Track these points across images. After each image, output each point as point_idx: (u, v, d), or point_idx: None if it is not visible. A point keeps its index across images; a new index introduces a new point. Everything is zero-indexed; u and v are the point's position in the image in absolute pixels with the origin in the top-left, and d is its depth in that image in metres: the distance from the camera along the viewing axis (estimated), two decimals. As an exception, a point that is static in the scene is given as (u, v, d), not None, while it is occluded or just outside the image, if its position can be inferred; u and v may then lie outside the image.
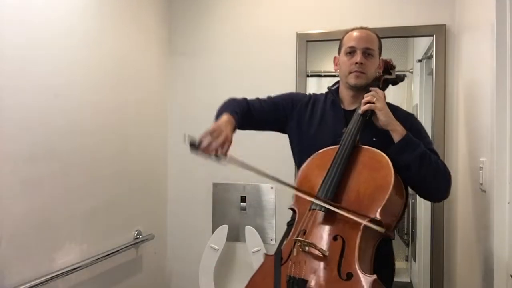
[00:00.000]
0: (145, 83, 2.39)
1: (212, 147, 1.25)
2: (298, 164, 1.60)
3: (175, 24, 2.62)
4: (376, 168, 1.35)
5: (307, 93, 1.71)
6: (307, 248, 1.26)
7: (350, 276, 1.20)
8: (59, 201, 1.71)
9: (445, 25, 2.23)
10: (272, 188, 2.46)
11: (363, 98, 1.47)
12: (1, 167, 1.45)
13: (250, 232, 2.42)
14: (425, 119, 2.54)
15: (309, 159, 1.49)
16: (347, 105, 1.58)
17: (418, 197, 2.71)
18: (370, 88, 1.48)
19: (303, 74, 2.39)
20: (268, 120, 1.63)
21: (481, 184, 1.64)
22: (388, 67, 1.62)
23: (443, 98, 2.23)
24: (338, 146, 1.42)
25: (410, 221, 2.94)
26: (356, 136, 1.41)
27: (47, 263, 1.64)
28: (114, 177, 2.08)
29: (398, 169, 1.35)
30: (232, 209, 2.51)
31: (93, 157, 1.92)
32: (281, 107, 1.62)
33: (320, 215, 1.31)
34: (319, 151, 1.48)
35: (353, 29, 1.58)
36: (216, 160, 1.27)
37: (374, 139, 1.44)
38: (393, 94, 2.97)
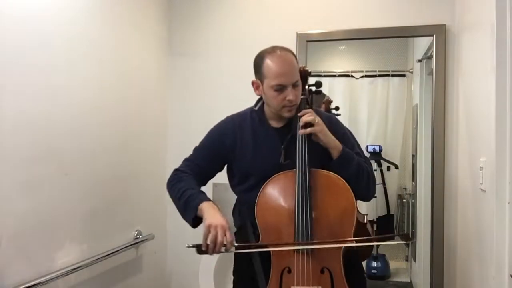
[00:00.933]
0: (145, 83, 2.39)
1: (218, 246, 1.31)
2: (240, 191, 1.59)
3: (175, 24, 2.62)
4: (336, 193, 1.42)
5: (226, 116, 1.66)
6: None
7: None
8: (59, 201, 1.71)
9: (445, 25, 2.23)
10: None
11: (296, 117, 1.46)
12: (1, 167, 1.45)
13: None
14: (425, 119, 2.54)
15: (261, 197, 1.44)
16: (275, 123, 1.54)
17: (418, 197, 2.72)
18: (305, 111, 1.46)
19: (303, 74, 2.39)
20: (214, 172, 1.62)
21: (481, 184, 1.64)
22: (306, 75, 1.56)
23: (443, 98, 2.23)
24: (282, 173, 1.43)
25: (410, 221, 2.94)
26: (307, 161, 1.42)
27: (47, 263, 1.64)
28: (114, 177, 2.08)
29: None
30: (232, 209, 2.50)
31: (93, 157, 1.92)
32: (214, 152, 1.58)
33: (305, 253, 1.35)
34: (272, 179, 1.44)
35: (270, 52, 1.45)
36: (226, 251, 1.35)
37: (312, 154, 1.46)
38: (393, 94, 2.98)
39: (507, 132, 1.42)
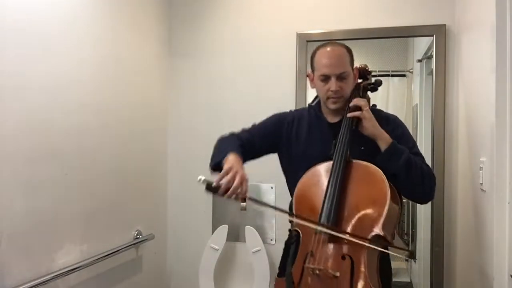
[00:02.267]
0: (145, 84, 2.39)
1: (231, 191, 1.27)
2: (290, 182, 1.61)
3: (175, 25, 2.62)
4: (371, 183, 1.38)
5: (288, 110, 1.73)
6: (317, 271, 1.30)
7: None
8: (59, 201, 1.71)
9: (445, 25, 2.23)
10: (272, 188, 2.46)
11: (346, 109, 1.49)
12: (1, 167, 1.45)
13: (250, 232, 2.42)
14: (425, 119, 2.54)
15: (303, 178, 1.48)
16: (331, 118, 1.59)
17: (418, 197, 2.72)
18: (355, 99, 1.49)
19: (303, 74, 2.39)
20: (262, 149, 1.64)
21: (481, 184, 1.64)
22: (364, 73, 1.63)
23: (443, 98, 2.23)
24: (331, 161, 1.44)
25: (410, 221, 2.94)
26: (347, 150, 1.42)
27: (47, 263, 1.64)
28: (114, 177, 2.08)
29: (387, 176, 1.38)
30: (232, 209, 2.51)
31: (93, 157, 1.92)
32: (270, 133, 1.62)
33: (326, 238, 1.34)
34: (312, 168, 1.48)
35: (322, 46, 1.55)
36: (236, 201, 1.30)
37: (362, 148, 1.46)
38: (393, 94, 2.98)
39: (507, 132, 1.42)
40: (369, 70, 1.65)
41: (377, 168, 1.38)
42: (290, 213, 1.45)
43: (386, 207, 1.31)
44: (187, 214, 2.61)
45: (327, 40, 2.40)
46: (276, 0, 2.48)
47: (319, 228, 1.33)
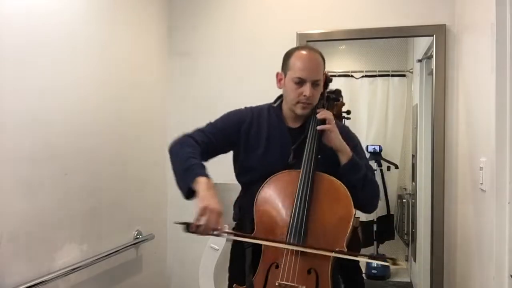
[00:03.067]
0: (144, 83, 2.39)
1: (209, 230, 1.30)
2: (244, 183, 1.60)
3: (175, 24, 2.62)
4: (336, 199, 1.41)
5: (245, 107, 1.67)
6: (283, 286, 1.32)
7: None
8: (59, 201, 1.71)
9: (445, 25, 2.22)
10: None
11: (312, 119, 1.48)
12: (1, 167, 1.45)
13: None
14: (425, 119, 2.54)
15: (265, 187, 1.46)
16: (292, 123, 1.55)
17: (418, 197, 2.73)
18: (323, 110, 1.48)
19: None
20: (222, 149, 1.61)
21: (481, 184, 1.64)
22: (326, 80, 1.59)
23: (443, 98, 2.23)
24: (293, 171, 1.44)
25: (410, 221, 2.95)
26: (316, 164, 1.42)
27: (47, 263, 1.64)
28: (114, 177, 2.08)
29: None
30: (232, 209, 2.50)
31: (93, 157, 1.92)
32: (229, 133, 1.57)
33: (294, 253, 1.35)
34: (275, 177, 1.46)
35: (299, 49, 1.53)
36: (215, 235, 1.36)
37: (318, 156, 1.45)
38: (393, 94, 2.98)
39: (507, 132, 1.43)
40: (330, 77, 1.62)
41: (341, 184, 1.41)
42: (260, 238, 1.41)
43: (350, 226, 1.35)
44: (187, 214, 2.59)
45: (327, 40, 2.43)
46: (276, 0, 2.48)
47: (288, 247, 1.34)
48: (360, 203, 1.48)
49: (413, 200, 2.84)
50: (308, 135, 1.47)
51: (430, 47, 2.33)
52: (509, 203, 1.41)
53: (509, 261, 1.39)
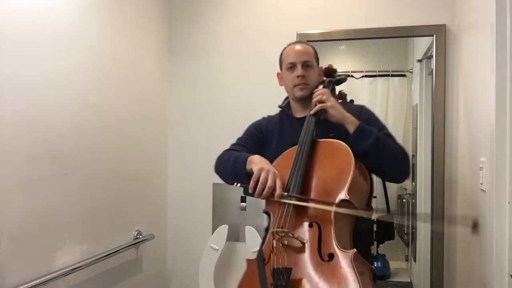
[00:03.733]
0: (145, 83, 2.39)
1: (267, 190, 1.32)
2: None
3: (175, 24, 2.62)
4: (336, 155, 1.41)
5: (261, 117, 1.78)
6: (285, 240, 1.31)
7: (331, 256, 1.25)
8: (59, 201, 1.71)
9: (445, 25, 2.23)
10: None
11: (311, 104, 1.52)
12: (1, 167, 1.45)
13: (250, 232, 2.42)
14: (425, 119, 2.54)
15: (275, 161, 1.51)
16: (299, 113, 1.64)
17: (418, 197, 2.72)
18: (315, 91, 1.54)
19: (303, 74, 2.39)
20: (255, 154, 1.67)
21: (481, 184, 1.64)
22: (330, 72, 1.69)
23: (443, 98, 2.23)
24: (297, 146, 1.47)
25: (410, 221, 2.94)
26: (312, 132, 1.46)
27: (47, 263, 1.64)
28: (114, 177, 2.08)
29: (358, 156, 1.40)
30: (232, 209, 2.51)
31: (93, 157, 1.92)
32: (256, 139, 1.68)
33: (292, 209, 1.35)
34: (282, 154, 1.52)
35: (289, 45, 1.66)
36: (272, 199, 1.34)
37: (331, 134, 1.48)
38: (393, 94, 2.98)
39: (507, 132, 1.43)
40: (334, 68, 1.71)
41: (341, 142, 1.41)
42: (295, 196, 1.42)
43: (351, 175, 1.32)
44: (187, 214, 2.61)
45: (327, 40, 2.43)
46: (276, 0, 2.48)
47: (284, 200, 1.34)
48: (382, 170, 1.49)
49: (413, 200, 2.84)
50: (306, 118, 1.51)
51: (430, 47, 2.33)
52: (509, 203, 1.41)
53: (509, 261, 1.39)
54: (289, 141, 1.54)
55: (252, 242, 2.40)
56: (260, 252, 1.39)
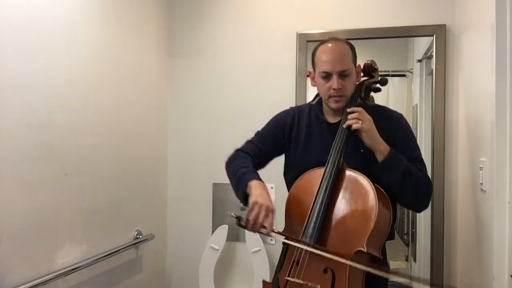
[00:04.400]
0: (145, 83, 2.39)
1: (257, 226, 1.30)
2: (288, 182, 1.61)
3: (175, 24, 2.62)
4: (361, 196, 1.35)
5: (289, 107, 1.69)
6: (300, 281, 1.31)
7: None
8: (59, 201, 1.71)
9: (445, 25, 2.22)
10: (272, 188, 2.45)
11: (345, 113, 1.46)
12: (1, 167, 1.45)
13: (250, 232, 2.41)
14: (425, 119, 2.54)
15: (297, 182, 1.48)
16: (331, 118, 1.56)
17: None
18: (353, 109, 1.44)
19: (303, 74, 2.39)
20: (273, 154, 1.64)
21: (481, 184, 1.64)
22: (369, 70, 1.57)
23: (443, 98, 2.23)
24: (324, 168, 1.42)
25: (410, 221, 2.94)
26: (340, 158, 1.41)
27: (47, 263, 1.64)
28: (114, 177, 2.08)
29: (382, 186, 1.37)
30: (232, 209, 2.50)
31: (93, 157, 1.92)
32: (274, 137, 1.61)
33: (309, 252, 1.33)
34: (307, 173, 1.47)
35: (323, 42, 1.52)
36: (265, 234, 1.33)
37: (361, 150, 1.44)
38: (393, 94, 2.98)
39: (507, 132, 1.43)
40: (376, 67, 1.59)
41: (368, 181, 1.35)
42: (286, 234, 1.44)
43: (372, 225, 1.29)
44: (187, 214, 2.61)
45: (327, 40, 2.42)
46: (276, 0, 2.48)
47: (302, 246, 1.33)
48: (404, 202, 1.47)
49: (413, 200, 2.84)
50: (338, 129, 1.45)
51: (430, 47, 2.33)
52: (509, 203, 1.41)
53: (509, 261, 1.39)
54: (316, 150, 1.51)
55: (252, 242, 2.40)
56: (276, 281, 1.40)
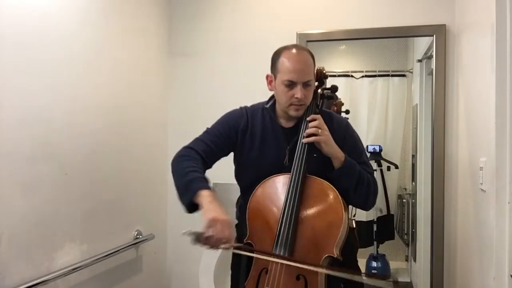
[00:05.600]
0: (145, 83, 2.39)
1: (218, 243, 1.28)
2: (241, 185, 1.61)
3: (175, 24, 2.62)
4: (327, 203, 1.38)
5: (239, 107, 1.66)
6: None
7: None
8: (59, 201, 1.71)
9: (445, 25, 2.23)
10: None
11: (304, 121, 1.46)
12: (1, 167, 1.45)
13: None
14: (425, 119, 2.54)
15: (258, 190, 1.46)
16: (285, 123, 1.53)
17: (418, 197, 2.72)
18: (313, 116, 1.45)
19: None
20: (222, 153, 1.59)
21: (481, 184, 1.64)
22: (322, 76, 1.56)
23: (443, 98, 2.23)
24: (287, 174, 1.41)
25: (410, 221, 2.94)
26: (305, 167, 1.41)
27: (47, 263, 1.64)
28: (114, 177, 2.08)
29: (337, 189, 1.39)
30: (232, 209, 2.50)
31: (93, 157, 1.92)
32: (226, 138, 1.56)
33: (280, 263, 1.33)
34: (268, 181, 1.45)
35: (287, 48, 1.47)
36: (225, 249, 1.32)
37: (314, 155, 1.44)
38: (393, 94, 2.98)
39: (507, 132, 1.43)
40: (326, 73, 1.57)
41: (332, 187, 1.38)
42: (248, 247, 1.42)
43: (341, 229, 1.32)
44: (187, 214, 2.60)
45: (327, 40, 2.43)
46: (276, 0, 2.48)
47: (273, 259, 1.33)
48: (355, 203, 1.49)
49: (413, 200, 2.84)
50: (299, 140, 1.45)
51: (430, 47, 2.33)
52: (509, 203, 1.41)
53: (509, 261, 1.39)
54: (271, 153, 1.50)
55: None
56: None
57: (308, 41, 2.39)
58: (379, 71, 2.95)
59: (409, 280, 3.08)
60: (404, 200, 3.11)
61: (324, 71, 1.55)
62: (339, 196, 1.36)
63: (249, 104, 1.69)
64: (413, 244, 2.89)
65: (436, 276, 2.23)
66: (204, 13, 2.57)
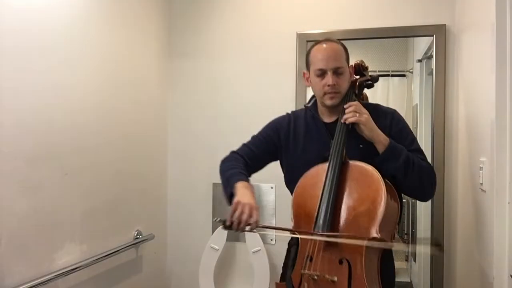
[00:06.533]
0: (145, 84, 2.39)
1: (242, 224, 1.30)
2: (289, 184, 1.62)
3: (175, 25, 2.62)
4: (367, 184, 1.37)
5: (285, 112, 1.71)
6: (315, 276, 1.31)
7: None
8: (59, 201, 1.71)
9: (445, 25, 2.23)
10: (272, 188, 2.45)
11: (342, 109, 1.49)
12: (1, 167, 1.45)
13: (250, 232, 2.41)
14: (425, 119, 2.54)
15: (301, 180, 1.49)
16: (327, 118, 1.58)
17: (418, 197, 2.72)
18: (350, 103, 1.48)
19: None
20: (266, 159, 1.66)
21: (481, 184, 1.64)
22: (360, 69, 1.63)
23: (443, 98, 2.23)
24: (327, 163, 1.43)
25: (410, 221, 2.94)
26: (343, 151, 1.43)
27: (47, 263, 1.64)
28: (114, 177, 2.08)
29: (385, 177, 1.39)
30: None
31: (93, 157, 1.92)
32: (269, 142, 1.63)
33: (323, 243, 1.35)
34: (310, 170, 1.48)
35: (317, 43, 1.57)
36: (250, 231, 1.34)
37: (360, 145, 1.46)
38: (393, 94, 2.98)
39: (507, 132, 1.43)
40: (366, 66, 1.65)
41: (373, 169, 1.38)
42: (290, 230, 1.46)
43: (382, 209, 1.31)
44: (187, 214, 2.61)
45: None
46: (276, 0, 2.48)
47: (315, 237, 1.34)
48: (409, 192, 1.49)
49: (413, 201, 2.83)
50: (338, 124, 1.47)
51: (430, 47, 2.33)
52: (509, 203, 1.41)
53: (509, 261, 1.39)
54: (315, 148, 1.52)
55: (252, 242, 2.40)
56: (290, 279, 1.39)
57: (308, 41, 2.38)
58: (379, 71, 2.94)
59: (409, 280, 3.07)
60: (404, 200, 3.10)
61: (363, 64, 1.62)
62: (380, 178, 1.35)
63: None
64: (413, 244, 2.88)
65: (436, 276, 2.23)
66: (204, 13, 2.57)
